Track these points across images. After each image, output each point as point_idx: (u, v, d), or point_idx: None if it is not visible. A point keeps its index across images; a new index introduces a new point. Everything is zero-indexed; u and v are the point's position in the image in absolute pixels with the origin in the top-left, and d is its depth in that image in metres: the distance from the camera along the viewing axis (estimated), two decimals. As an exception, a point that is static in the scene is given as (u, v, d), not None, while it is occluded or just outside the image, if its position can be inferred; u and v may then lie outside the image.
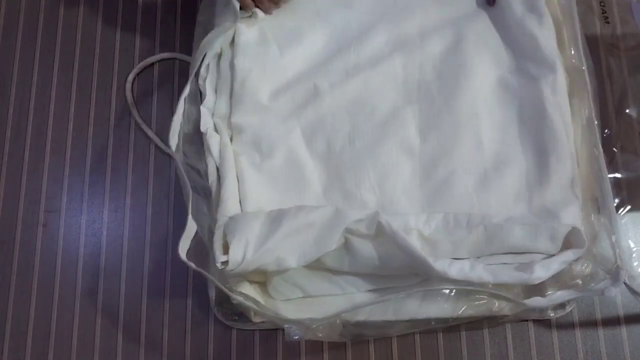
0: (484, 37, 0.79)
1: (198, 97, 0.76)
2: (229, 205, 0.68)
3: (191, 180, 0.70)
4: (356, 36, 0.79)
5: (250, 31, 0.79)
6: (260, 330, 0.72)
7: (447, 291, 0.67)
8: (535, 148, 0.73)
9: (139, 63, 0.82)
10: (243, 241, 0.63)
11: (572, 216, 0.70)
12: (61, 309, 0.73)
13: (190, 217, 0.65)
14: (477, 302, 0.66)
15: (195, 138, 0.74)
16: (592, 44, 0.81)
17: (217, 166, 0.72)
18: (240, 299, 0.64)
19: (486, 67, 0.77)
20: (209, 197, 0.71)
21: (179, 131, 0.72)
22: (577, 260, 0.68)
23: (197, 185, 0.71)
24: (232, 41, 0.78)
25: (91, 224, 0.77)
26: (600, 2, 0.83)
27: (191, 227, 0.65)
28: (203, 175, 0.72)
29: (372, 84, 0.77)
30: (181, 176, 0.68)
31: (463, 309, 0.66)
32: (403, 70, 0.78)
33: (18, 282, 0.74)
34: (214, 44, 0.77)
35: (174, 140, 0.70)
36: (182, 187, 0.68)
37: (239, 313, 0.70)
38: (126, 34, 0.84)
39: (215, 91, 0.77)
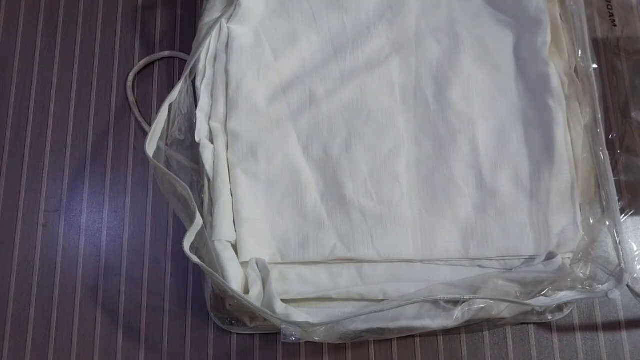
0: (481, 41, 0.78)
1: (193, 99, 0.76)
2: (223, 231, 0.69)
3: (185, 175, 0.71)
4: (352, 40, 0.79)
5: (244, 35, 0.78)
6: (260, 334, 0.72)
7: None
8: (532, 153, 0.74)
9: (139, 62, 0.82)
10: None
11: (570, 220, 0.70)
12: (61, 309, 0.73)
13: (197, 212, 0.65)
14: (476, 307, 0.66)
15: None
16: (598, 47, 0.81)
17: (209, 181, 0.72)
18: (240, 295, 0.64)
19: (485, 72, 0.77)
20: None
21: (167, 131, 0.71)
22: (577, 262, 0.69)
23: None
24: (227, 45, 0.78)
25: (91, 224, 0.77)
26: (608, 5, 0.82)
27: (198, 222, 0.65)
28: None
29: (368, 89, 0.77)
30: (171, 179, 0.66)
31: (462, 315, 0.66)
32: (399, 75, 0.77)
33: (18, 282, 0.74)
34: (206, 41, 0.76)
35: (151, 147, 0.69)
36: (176, 189, 0.67)
37: (235, 318, 0.70)
38: (126, 33, 0.84)
39: (212, 95, 0.76)
